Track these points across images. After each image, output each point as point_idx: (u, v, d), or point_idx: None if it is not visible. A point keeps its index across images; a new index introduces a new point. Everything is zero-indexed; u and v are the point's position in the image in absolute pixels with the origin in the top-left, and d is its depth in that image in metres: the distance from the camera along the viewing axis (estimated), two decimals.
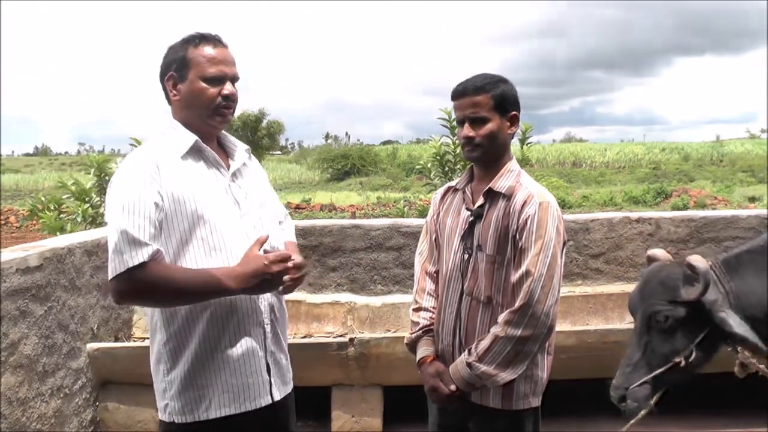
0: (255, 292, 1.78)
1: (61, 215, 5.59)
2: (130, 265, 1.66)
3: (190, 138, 1.83)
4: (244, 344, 1.80)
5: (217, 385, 1.78)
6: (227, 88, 1.84)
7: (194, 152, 1.84)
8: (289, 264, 1.79)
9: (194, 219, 1.76)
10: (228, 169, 1.89)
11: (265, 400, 1.84)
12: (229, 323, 1.79)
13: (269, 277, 1.75)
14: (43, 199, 5.79)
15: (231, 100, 1.85)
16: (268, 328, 1.86)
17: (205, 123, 1.86)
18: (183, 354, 1.78)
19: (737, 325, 2.13)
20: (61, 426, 3.15)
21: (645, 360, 2.20)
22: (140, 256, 1.66)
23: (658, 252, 2.46)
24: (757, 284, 2.23)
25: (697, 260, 2.17)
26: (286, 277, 1.79)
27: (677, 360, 2.16)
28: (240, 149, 1.98)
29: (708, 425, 3.44)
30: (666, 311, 2.16)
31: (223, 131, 1.96)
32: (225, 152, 1.95)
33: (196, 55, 1.82)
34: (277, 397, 1.89)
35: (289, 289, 1.84)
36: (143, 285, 1.69)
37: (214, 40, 1.86)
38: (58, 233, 4.86)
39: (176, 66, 1.84)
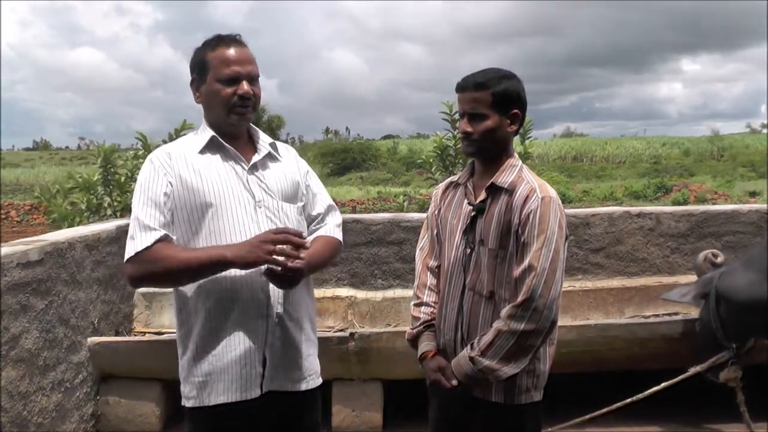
0: (255, 265, 1.76)
1: (70, 206, 5.51)
2: (140, 248, 1.75)
3: (208, 134, 1.91)
4: (242, 334, 1.83)
5: (216, 373, 1.83)
6: (242, 87, 1.87)
7: (212, 147, 1.91)
8: (293, 239, 1.76)
9: (204, 207, 1.82)
10: (249, 163, 1.93)
11: (254, 393, 1.85)
12: (231, 312, 1.82)
13: (271, 246, 1.73)
14: (51, 188, 5.70)
15: (247, 98, 1.89)
16: (274, 320, 1.86)
17: (224, 122, 1.91)
18: (190, 340, 1.85)
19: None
20: (62, 420, 3.16)
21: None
22: (148, 239, 1.76)
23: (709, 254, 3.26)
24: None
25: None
26: (285, 250, 1.74)
27: None
28: (264, 143, 2.01)
29: (709, 424, 3.45)
30: None
31: (253, 127, 2.01)
32: (255, 147, 1.99)
33: (212, 57, 1.88)
34: (273, 389, 1.87)
35: (289, 283, 1.79)
36: (149, 263, 1.75)
37: (231, 41, 1.90)
38: (65, 224, 4.83)
39: (197, 69, 1.92)
